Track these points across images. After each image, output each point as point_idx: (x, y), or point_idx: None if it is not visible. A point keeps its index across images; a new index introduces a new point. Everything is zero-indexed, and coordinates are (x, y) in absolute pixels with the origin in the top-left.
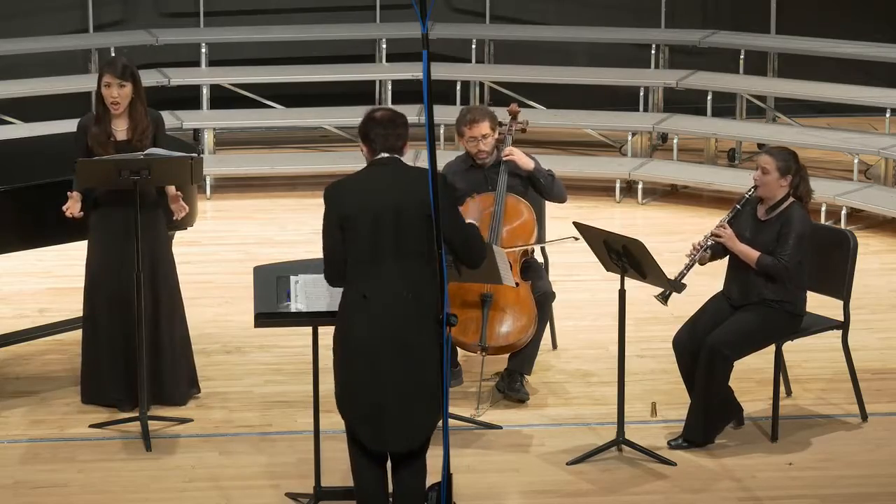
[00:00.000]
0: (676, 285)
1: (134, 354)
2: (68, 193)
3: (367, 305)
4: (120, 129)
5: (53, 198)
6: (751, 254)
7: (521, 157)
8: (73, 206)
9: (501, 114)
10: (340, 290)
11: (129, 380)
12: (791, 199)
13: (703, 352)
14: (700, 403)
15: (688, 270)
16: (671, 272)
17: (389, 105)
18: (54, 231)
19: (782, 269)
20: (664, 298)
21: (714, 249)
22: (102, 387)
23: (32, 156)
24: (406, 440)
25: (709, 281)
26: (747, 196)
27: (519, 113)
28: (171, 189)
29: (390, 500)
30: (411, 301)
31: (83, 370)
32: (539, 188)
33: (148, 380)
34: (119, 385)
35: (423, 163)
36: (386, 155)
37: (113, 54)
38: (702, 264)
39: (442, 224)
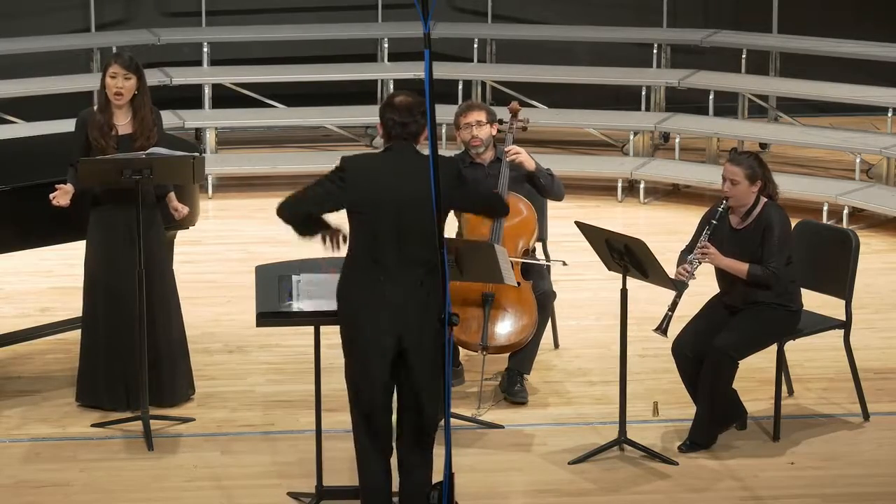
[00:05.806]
0: (678, 285)
1: (131, 355)
2: (57, 187)
3: (379, 290)
4: (122, 123)
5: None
6: (739, 267)
7: (526, 157)
8: (61, 197)
9: (502, 112)
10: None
11: (125, 381)
12: (763, 201)
13: (710, 356)
14: (706, 407)
15: (679, 299)
16: (672, 272)
17: None
18: (57, 231)
19: (773, 276)
20: (663, 331)
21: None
22: (97, 388)
23: (34, 155)
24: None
25: (709, 281)
26: (720, 210)
27: (519, 111)
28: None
29: (394, 499)
30: (422, 289)
31: (80, 370)
32: (539, 187)
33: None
34: (115, 386)
35: None
36: (401, 142)
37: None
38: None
39: (461, 200)
